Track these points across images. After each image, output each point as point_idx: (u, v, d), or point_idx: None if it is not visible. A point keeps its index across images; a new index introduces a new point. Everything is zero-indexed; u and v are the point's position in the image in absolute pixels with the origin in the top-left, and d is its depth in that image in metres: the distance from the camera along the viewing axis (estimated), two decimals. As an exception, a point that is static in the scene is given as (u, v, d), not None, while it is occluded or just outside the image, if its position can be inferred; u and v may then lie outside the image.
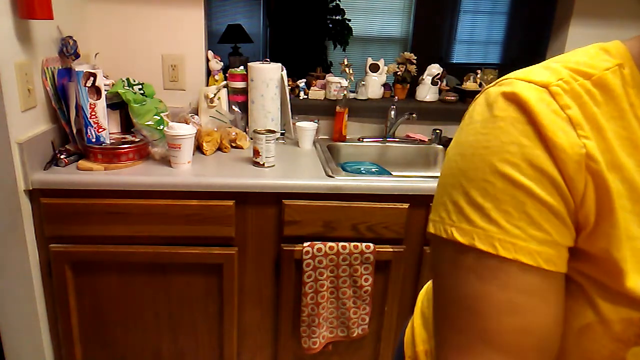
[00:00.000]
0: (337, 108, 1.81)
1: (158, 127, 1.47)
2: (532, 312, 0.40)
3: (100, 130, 1.39)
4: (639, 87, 0.40)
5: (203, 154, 1.54)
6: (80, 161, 1.36)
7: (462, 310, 0.42)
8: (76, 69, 1.31)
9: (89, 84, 1.33)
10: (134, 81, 1.56)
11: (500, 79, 0.44)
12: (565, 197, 0.39)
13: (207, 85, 1.79)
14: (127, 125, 1.54)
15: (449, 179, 0.44)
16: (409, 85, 1.98)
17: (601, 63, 0.41)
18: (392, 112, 1.86)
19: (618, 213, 0.38)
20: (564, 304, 0.42)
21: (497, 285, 0.40)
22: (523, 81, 0.41)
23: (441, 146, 1.88)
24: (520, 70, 0.43)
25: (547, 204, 0.39)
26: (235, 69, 1.74)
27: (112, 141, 1.41)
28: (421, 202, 1.39)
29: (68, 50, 1.44)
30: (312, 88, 1.89)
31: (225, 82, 1.76)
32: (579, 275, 0.41)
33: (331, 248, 1.38)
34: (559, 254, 0.40)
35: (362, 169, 1.71)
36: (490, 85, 0.44)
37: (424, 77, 1.95)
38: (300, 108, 1.84)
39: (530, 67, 0.43)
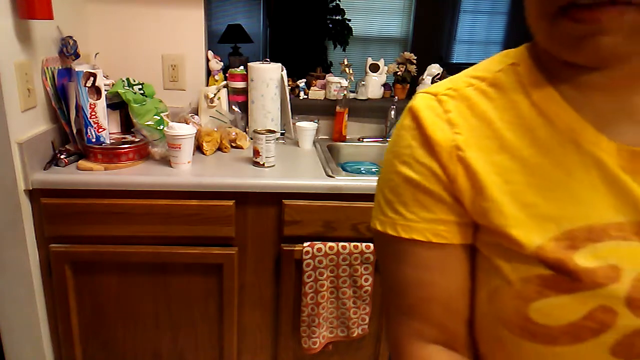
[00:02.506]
0: (337, 108, 1.81)
1: (158, 127, 1.47)
2: (433, 284, 0.50)
3: (100, 130, 1.39)
4: (534, 77, 0.48)
5: (203, 154, 1.54)
6: (80, 161, 1.36)
7: (387, 287, 0.54)
8: (76, 69, 1.31)
9: (89, 84, 1.33)
10: (134, 81, 1.56)
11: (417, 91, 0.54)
12: (443, 182, 0.48)
13: (207, 85, 1.79)
14: (127, 125, 1.54)
15: (378, 180, 0.55)
16: (409, 85, 1.98)
17: (495, 66, 0.51)
18: (392, 112, 1.86)
19: (491, 189, 0.46)
20: (467, 271, 0.51)
21: (406, 264, 0.51)
22: (424, 93, 0.52)
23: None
24: (438, 82, 0.54)
25: (430, 191, 0.49)
26: (235, 69, 1.74)
27: (112, 141, 1.41)
28: (421, 202, 1.38)
29: (68, 50, 1.44)
30: (312, 88, 1.89)
31: (225, 82, 1.76)
32: (484, 245, 0.49)
33: (331, 248, 1.38)
34: (449, 228, 0.49)
35: (362, 169, 1.71)
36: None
37: (424, 77, 1.95)
38: (300, 108, 1.84)
39: (447, 78, 0.54)
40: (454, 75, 0.53)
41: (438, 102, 0.50)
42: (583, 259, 0.42)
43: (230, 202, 1.34)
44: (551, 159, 0.45)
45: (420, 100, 0.51)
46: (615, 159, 0.44)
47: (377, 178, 0.56)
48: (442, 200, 0.48)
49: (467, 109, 0.49)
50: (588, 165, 0.44)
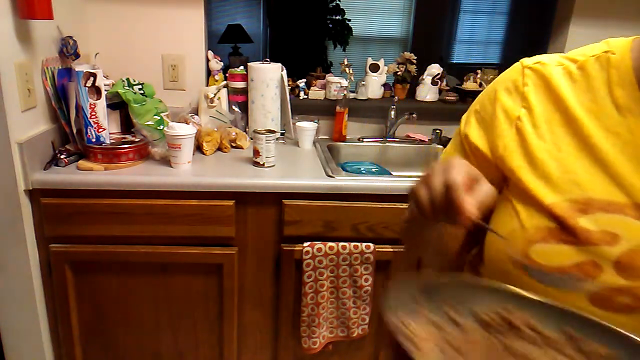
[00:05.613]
0: (337, 108, 1.81)
1: (158, 127, 1.47)
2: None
3: (100, 130, 1.39)
4: (623, 70, 0.52)
5: (203, 154, 1.54)
6: (80, 161, 1.36)
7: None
8: (76, 69, 1.31)
9: (89, 84, 1.33)
10: (134, 81, 1.56)
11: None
12: (511, 119, 0.58)
13: (207, 85, 1.79)
14: (127, 125, 1.54)
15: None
16: (409, 85, 1.98)
17: (591, 51, 0.56)
18: (392, 112, 1.86)
19: (537, 154, 0.54)
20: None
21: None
22: (520, 63, 0.59)
23: (441, 146, 1.88)
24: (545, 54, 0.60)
25: (497, 117, 0.58)
26: (235, 69, 1.74)
27: (112, 141, 1.41)
28: (421, 202, 1.38)
29: (68, 50, 1.44)
30: (312, 88, 1.89)
31: (225, 82, 1.76)
32: (510, 193, 0.57)
33: (331, 248, 1.38)
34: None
35: (362, 169, 1.71)
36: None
37: (424, 77, 1.95)
38: (300, 108, 1.84)
39: (555, 53, 0.60)
40: (557, 53, 0.60)
41: (522, 75, 0.58)
42: (585, 222, 0.50)
43: (230, 202, 1.34)
44: (608, 144, 0.52)
45: (514, 67, 0.60)
46: None
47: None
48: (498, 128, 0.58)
49: (543, 84, 0.56)
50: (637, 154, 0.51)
